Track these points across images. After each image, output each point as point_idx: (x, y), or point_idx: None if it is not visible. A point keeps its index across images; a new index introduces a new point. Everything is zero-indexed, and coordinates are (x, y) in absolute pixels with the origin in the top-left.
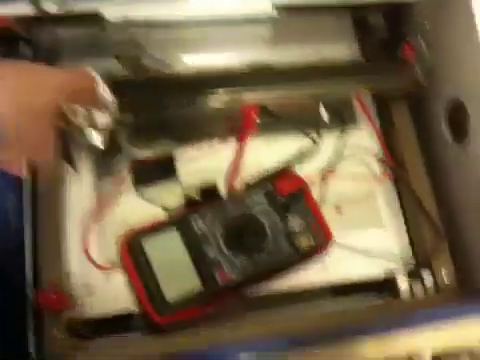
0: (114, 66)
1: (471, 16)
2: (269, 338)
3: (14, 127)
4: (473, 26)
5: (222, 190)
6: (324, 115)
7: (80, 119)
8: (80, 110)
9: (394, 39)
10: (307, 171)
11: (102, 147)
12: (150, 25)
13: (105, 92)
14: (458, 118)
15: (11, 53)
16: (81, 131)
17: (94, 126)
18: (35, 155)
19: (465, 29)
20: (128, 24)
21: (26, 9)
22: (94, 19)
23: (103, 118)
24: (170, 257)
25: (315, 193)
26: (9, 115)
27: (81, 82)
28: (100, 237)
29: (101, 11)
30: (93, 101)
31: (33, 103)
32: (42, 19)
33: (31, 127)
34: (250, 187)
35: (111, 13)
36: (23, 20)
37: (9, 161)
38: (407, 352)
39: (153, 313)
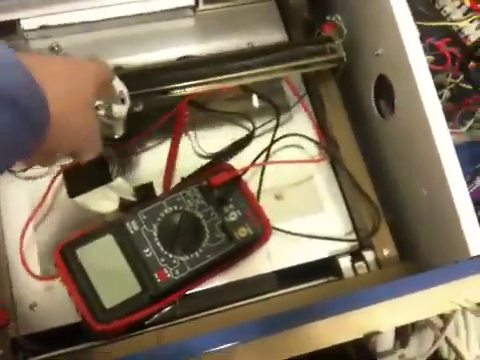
0: None
1: None
2: (217, 332)
3: (68, 117)
4: (387, 2)
5: (157, 189)
6: (255, 102)
7: (102, 110)
8: (100, 102)
9: (316, 18)
10: (243, 161)
11: (119, 136)
12: (71, 29)
13: (119, 83)
14: (385, 93)
15: None
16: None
17: (111, 117)
18: (85, 146)
19: (380, 4)
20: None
21: None
22: (12, 29)
23: (119, 109)
24: (106, 263)
25: (253, 182)
26: (65, 105)
27: (104, 73)
28: (39, 248)
29: (19, 20)
30: (110, 92)
31: (81, 93)
32: None
33: (82, 118)
34: (184, 183)
35: (29, 22)
36: None
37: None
38: (363, 331)
39: (92, 321)
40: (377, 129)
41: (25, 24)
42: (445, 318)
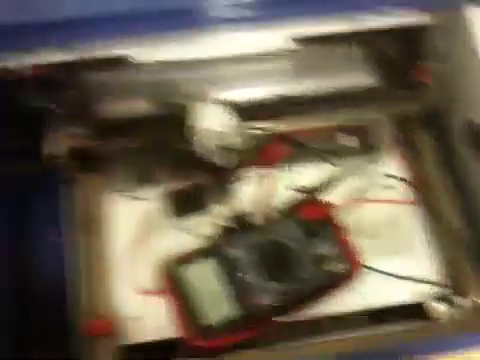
0: (146, 105)
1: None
2: None
3: None
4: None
5: (253, 218)
6: (348, 142)
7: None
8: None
9: (408, 63)
10: (334, 199)
11: (232, 166)
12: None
13: (227, 116)
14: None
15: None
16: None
17: (227, 148)
18: None
19: (471, 52)
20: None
21: (61, 56)
22: (123, 64)
23: (235, 141)
24: (208, 283)
25: (343, 220)
26: None
27: None
28: (143, 264)
29: (130, 55)
30: None
31: None
32: (75, 66)
33: None
34: (280, 214)
35: (139, 56)
36: (58, 67)
37: None
38: None
39: (194, 338)
40: (472, 175)
41: (136, 58)
42: None
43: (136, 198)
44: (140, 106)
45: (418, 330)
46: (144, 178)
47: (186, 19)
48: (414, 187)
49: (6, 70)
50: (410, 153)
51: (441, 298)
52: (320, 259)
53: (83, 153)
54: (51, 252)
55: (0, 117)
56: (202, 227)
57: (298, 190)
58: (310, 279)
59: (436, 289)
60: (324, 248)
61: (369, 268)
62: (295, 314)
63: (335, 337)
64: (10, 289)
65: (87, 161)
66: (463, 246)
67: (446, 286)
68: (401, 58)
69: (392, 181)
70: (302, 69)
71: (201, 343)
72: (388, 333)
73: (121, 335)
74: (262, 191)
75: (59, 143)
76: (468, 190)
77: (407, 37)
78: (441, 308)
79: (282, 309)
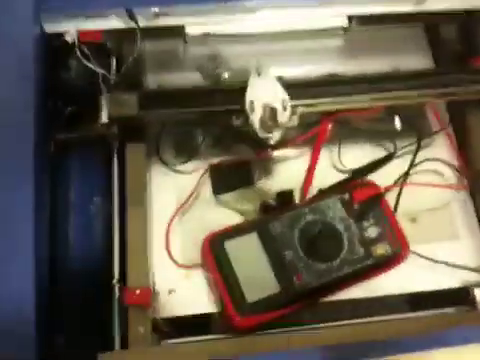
0: (195, 77)
1: None
2: (342, 345)
3: None
4: None
5: (297, 196)
6: (398, 124)
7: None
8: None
9: (467, 48)
10: (381, 181)
11: (276, 141)
12: (228, 39)
13: (283, 91)
14: None
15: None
16: (262, 126)
17: (275, 122)
18: None
19: None
20: (207, 38)
21: (118, 24)
22: (179, 34)
23: (282, 116)
24: (250, 259)
25: (390, 203)
26: None
27: None
28: (181, 238)
29: (185, 26)
30: None
31: None
32: (131, 34)
33: None
34: (325, 193)
35: (193, 28)
36: (113, 34)
37: None
38: None
39: (234, 314)
40: None
41: (189, 30)
42: None
43: (180, 171)
44: (191, 78)
45: (460, 317)
46: (190, 151)
47: None
48: (463, 173)
49: (60, 35)
50: (462, 139)
51: None
52: (368, 241)
53: (132, 122)
54: (95, 220)
55: (55, 83)
56: (245, 203)
57: (342, 171)
58: (356, 260)
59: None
60: (372, 230)
61: (415, 253)
62: (336, 295)
63: (375, 319)
64: (51, 255)
65: (136, 131)
66: None
67: None
68: (460, 42)
69: (441, 166)
70: (356, 48)
71: (239, 320)
72: (429, 318)
73: (158, 307)
74: (304, 169)
75: (109, 111)
76: None
77: (469, 21)
78: None
79: (324, 289)
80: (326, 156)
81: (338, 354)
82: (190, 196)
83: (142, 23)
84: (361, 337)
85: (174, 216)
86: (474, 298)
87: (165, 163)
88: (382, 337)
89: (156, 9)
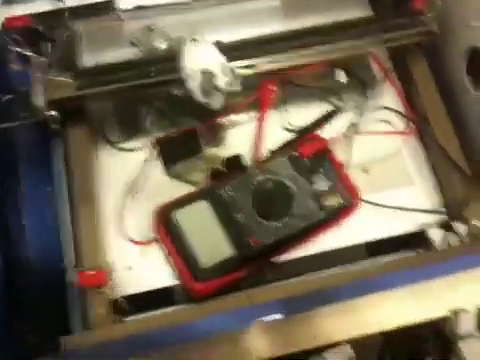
0: (132, 52)
1: None
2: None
3: None
4: None
5: (246, 159)
6: (342, 77)
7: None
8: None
9: None
10: (331, 135)
11: (218, 106)
12: (162, 10)
13: (220, 56)
14: (478, 66)
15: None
16: (202, 92)
17: (215, 87)
18: None
19: None
20: (140, 11)
21: (46, 6)
22: (108, 9)
23: (222, 80)
24: (203, 226)
25: (341, 156)
26: None
27: None
28: (134, 214)
29: (114, 0)
30: None
31: None
32: (59, 14)
33: None
34: (274, 153)
35: (124, 2)
36: (42, 17)
37: None
38: (447, 307)
39: (191, 281)
40: (468, 103)
41: (121, 4)
42: None
43: (128, 149)
44: (128, 53)
45: (416, 259)
46: (135, 128)
47: None
48: (410, 119)
49: None
50: (406, 85)
51: (440, 225)
52: (318, 195)
53: (71, 103)
54: (44, 205)
55: None
56: (195, 172)
57: (292, 129)
58: (309, 215)
59: (435, 217)
60: (322, 184)
61: (367, 202)
62: (294, 252)
63: (334, 271)
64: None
65: (76, 112)
66: (460, 174)
67: (444, 213)
68: None
69: (389, 114)
70: (293, 6)
71: (196, 286)
72: (386, 264)
73: (117, 286)
74: (253, 132)
75: (45, 94)
76: (465, 119)
77: None
78: (441, 235)
79: (279, 247)
80: (275, 117)
81: (293, 306)
82: (140, 172)
83: (70, 2)
84: (314, 288)
85: (125, 194)
86: (430, 239)
87: (111, 142)
88: (335, 285)
89: None
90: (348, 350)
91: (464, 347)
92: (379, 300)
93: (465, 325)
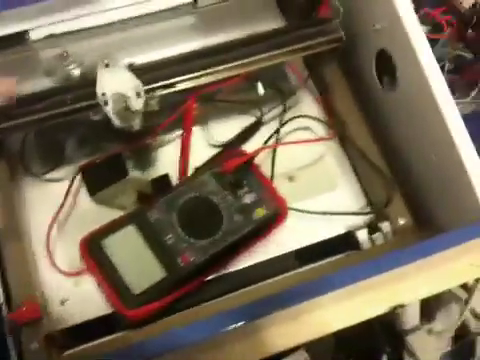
0: (47, 81)
1: None
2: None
3: None
4: None
5: (174, 180)
6: (260, 90)
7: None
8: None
9: (311, 1)
10: (254, 147)
11: (137, 128)
12: (74, 36)
13: (133, 78)
14: (387, 66)
15: None
16: (118, 116)
17: (129, 110)
18: None
19: None
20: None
21: None
22: (20, 40)
23: (136, 102)
24: (131, 252)
25: (266, 166)
26: None
27: None
28: (63, 245)
29: (27, 31)
30: None
31: None
32: None
33: None
34: (198, 171)
35: (36, 32)
36: None
37: None
38: (388, 304)
39: (122, 308)
40: (382, 102)
41: (33, 34)
42: (468, 289)
43: (51, 179)
44: (42, 82)
45: (346, 260)
46: (56, 157)
47: None
48: (329, 124)
49: None
50: (323, 91)
51: (366, 226)
52: (246, 208)
53: None
54: None
55: None
56: (123, 197)
57: (216, 145)
58: (237, 229)
59: (362, 219)
60: (247, 196)
61: (295, 209)
62: (227, 268)
63: (269, 281)
64: None
65: None
66: (380, 174)
67: (370, 213)
68: None
69: (309, 121)
70: (208, 24)
71: (129, 313)
72: (320, 267)
73: (53, 319)
74: (179, 151)
75: None
76: (380, 120)
77: None
78: (366, 235)
79: (212, 264)
80: (199, 134)
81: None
82: (64, 201)
83: None
84: (253, 299)
85: (51, 225)
86: (357, 240)
87: (33, 174)
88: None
89: None
90: (304, 354)
91: (412, 341)
92: (321, 302)
93: (410, 319)
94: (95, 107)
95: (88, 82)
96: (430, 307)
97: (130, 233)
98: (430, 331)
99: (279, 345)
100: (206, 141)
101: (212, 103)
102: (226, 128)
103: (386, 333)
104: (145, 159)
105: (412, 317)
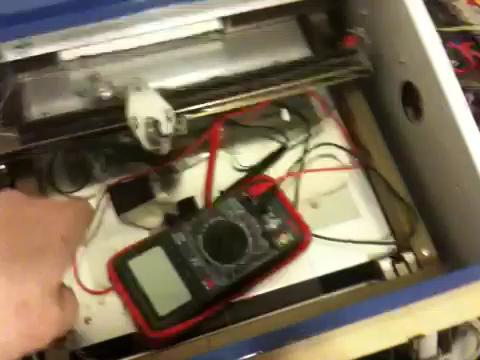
0: (78, 102)
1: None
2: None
3: None
4: (405, 11)
5: (199, 202)
6: (286, 116)
7: (151, 128)
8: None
9: (338, 32)
10: (279, 172)
11: (166, 152)
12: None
13: (164, 102)
14: (412, 99)
15: None
16: (148, 139)
17: (160, 134)
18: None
19: (399, 13)
20: (84, 61)
21: None
22: (52, 61)
23: (166, 126)
24: (157, 273)
25: (289, 193)
26: None
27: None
28: (90, 264)
29: (58, 52)
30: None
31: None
32: (2, 69)
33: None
34: (224, 195)
35: (67, 53)
36: None
37: None
38: (407, 335)
39: (148, 330)
40: (406, 134)
41: (64, 55)
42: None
43: (78, 198)
44: (75, 103)
45: (369, 290)
46: (84, 176)
47: (109, 9)
48: (354, 153)
49: None
50: (347, 120)
51: (389, 256)
52: (271, 233)
53: (20, 157)
54: None
55: None
56: (149, 218)
57: (241, 169)
58: (262, 254)
59: (385, 248)
60: (273, 222)
61: (318, 236)
62: (250, 292)
63: (291, 308)
64: None
65: (23, 165)
66: (404, 204)
67: (393, 243)
68: (329, 27)
69: (333, 149)
70: (235, 50)
71: (154, 335)
72: (342, 296)
73: (77, 338)
74: (204, 174)
75: None
76: (404, 149)
77: (332, 5)
78: (390, 265)
79: (236, 289)
80: (224, 158)
81: (255, 347)
82: (91, 221)
83: (10, 57)
84: (278, 326)
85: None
86: (381, 269)
87: (61, 192)
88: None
89: (17, 42)
90: None
91: None
92: (341, 331)
93: (427, 349)
94: (126, 130)
95: (119, 104)
96: (447, 338)
97: (157, 254)
98: None
99: None
100: (231, 165)
101: (238, 127)
102: (251, 153)
103: None
104: (171, 181)
105: (430, 347)
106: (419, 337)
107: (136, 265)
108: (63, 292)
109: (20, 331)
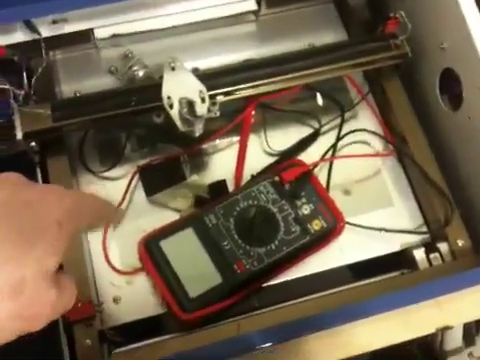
0: (111, 80)
1: None
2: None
3: None
4: None
5: (229, 185)
6: (319, 101)
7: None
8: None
9: (376, 16)
10: (311, 157)
11: (199, 133)
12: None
13: (198, 83)
14: (452, 86)
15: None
16: (182, 120)
17: (194, 115)
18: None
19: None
20: (117, 39)
21: (21, 36)
22: (85, 39)
23: (201, 107)
24: (188, 255)
25: (321, 178)
26: None
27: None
28: (119, 244)
29: (92, 29)
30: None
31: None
32: (36, 45)
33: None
34: (256, 179)
35: (101, 31)
36: (18, 48)
37: None
38: (435, 325)
39: (178, 311)
40: (444, 122)
41: (98, 33)
42: None
43: (109, 177)
44: (107, 81)
45: (402, 279)
46: (115, 156)
47: None
48: (389, 140)
49: None
50: (383, 106)
51: (422, 245)
52: (303, 219)
53: (49, 135)
54: None
55: None
56: (179, 200)
57: (272, 154)
58: (294, 240)
59: (418, 237)
60: (305, 207)
61: (351, 224)
62: (279, 277)
63: (320, 295)
64: None
65: (55, 142)
66: (439, 193)
67: (426, 233)
68: (369, 11)
69: (367, 136)
70: (269, 32)
71: (184, 316)
72: (372, 285)
73: (105, 317)
74: (235, 157)
75: (22, 127)
76: (440, 138)
77: None
78: (423, 255)
79: (266, 273)
80: (255, 142)
81: (283, 334)
82: (122, 201)
83: (45, 33)
84: (307, 313)
85: (108, 224)
86: (414, 259)
87: (91, 171)
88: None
89: (53, 17)
90: None
91: None
92: (367, 322)
93: (453, 341)
94: (159, 110)
95: (153, 84)
96: (471, 330)
97: (188, 236)
98: (471, 355)
99: None
100: (262, 149)
101: (270, 111)
102: (283, 137)
103: (423, 353)
104: (202, 163)
105: (455, 339)
106: (446, 329)
107: (168, 246)
108: (60, 277)
109: (12, 312)
